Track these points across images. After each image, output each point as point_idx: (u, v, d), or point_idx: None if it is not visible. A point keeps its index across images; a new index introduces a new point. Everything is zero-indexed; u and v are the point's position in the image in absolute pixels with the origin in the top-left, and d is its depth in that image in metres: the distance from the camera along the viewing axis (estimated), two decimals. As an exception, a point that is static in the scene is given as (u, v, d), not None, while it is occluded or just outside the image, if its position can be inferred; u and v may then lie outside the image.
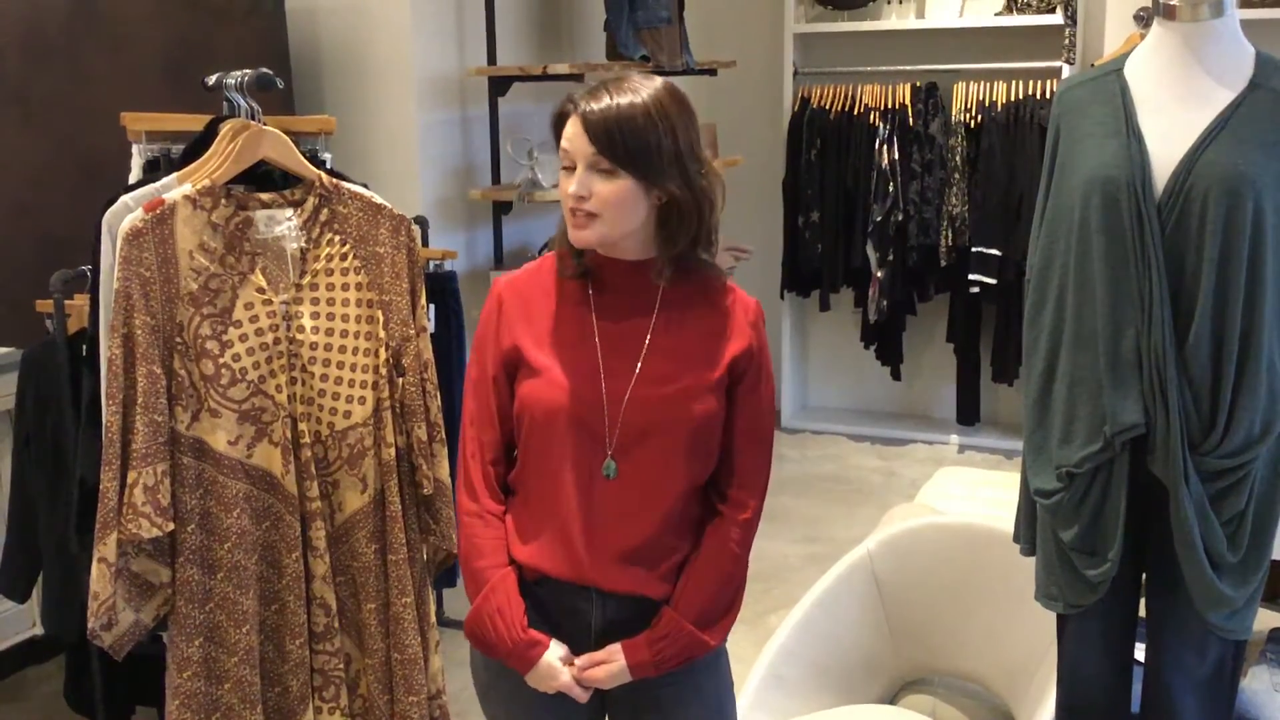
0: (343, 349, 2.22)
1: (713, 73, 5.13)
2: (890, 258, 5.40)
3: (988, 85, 5.24)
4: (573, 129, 1.72)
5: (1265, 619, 2.82)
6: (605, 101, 1.70)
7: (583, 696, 1.81)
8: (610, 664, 1.79)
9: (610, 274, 1.81)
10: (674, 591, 1.81)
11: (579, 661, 1.80)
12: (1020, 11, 5.29)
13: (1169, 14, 2.02)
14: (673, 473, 1.79)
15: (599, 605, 1.81)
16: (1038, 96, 5.11)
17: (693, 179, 1.74)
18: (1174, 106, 2.02)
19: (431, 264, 3.47)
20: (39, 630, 3.46)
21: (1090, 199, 2.03)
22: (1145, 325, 1.98)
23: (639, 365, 1.78)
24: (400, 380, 2.26)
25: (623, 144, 1.69)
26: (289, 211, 2.20)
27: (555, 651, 1.79)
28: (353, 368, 2.22)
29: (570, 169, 1.73)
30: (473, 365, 1.87)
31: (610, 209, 1.71)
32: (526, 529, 1.83)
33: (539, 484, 1.82)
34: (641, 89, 1.72)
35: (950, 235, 5.32)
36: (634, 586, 1.80)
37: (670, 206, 1.74)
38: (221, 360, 2.12)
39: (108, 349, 2.10)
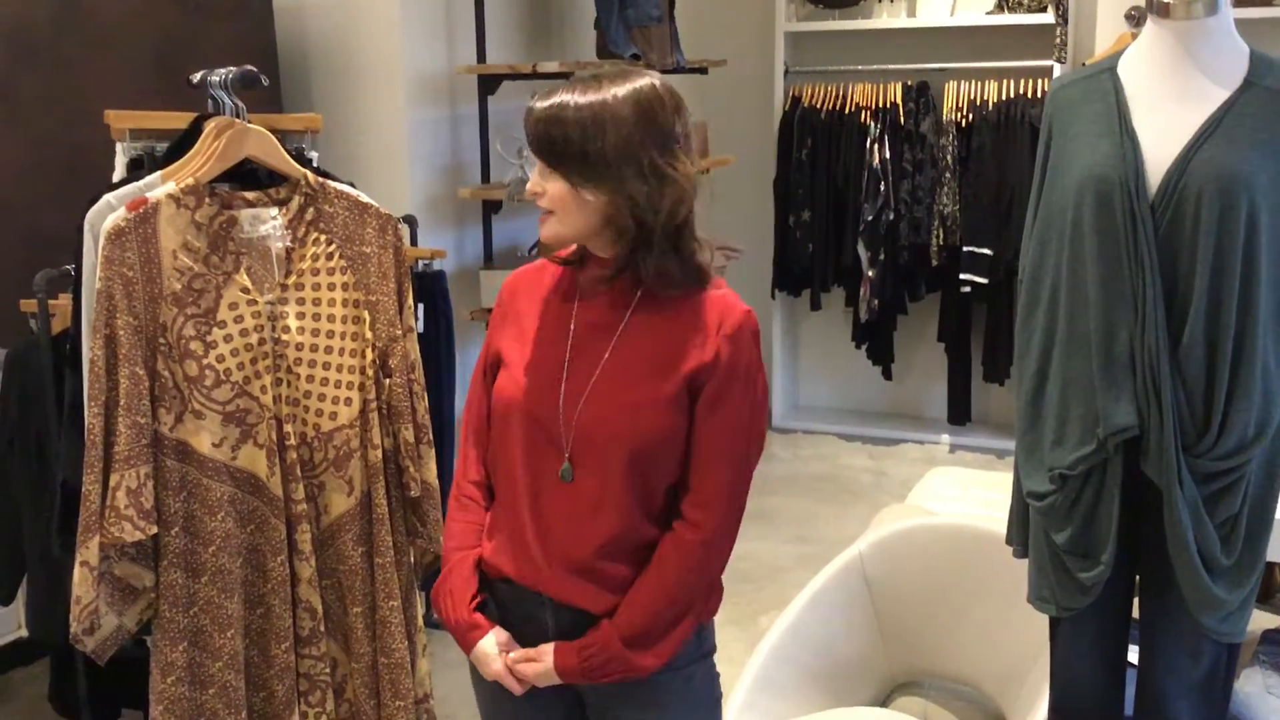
0: (329, 350, 2.20)
1: (703, 71, 5.11)
2: (881, 257, 5.38)
3: (979, 84, 5.23)
4: None
5: (1259, 620, 2.82)
6: (551, 101, 1.69)
7: (515, 688, 1.80)
8: (539, 662, 1.78)
9: (596, 269, 1.79)
10: (616, 604, 1.76)
11: (512, 655, 1.80)
12: (1011, 10, 5.28)
13: (1163, 12, 2.01)
14: (620, 485, 1.72)
15: (552, 614, 1.79)
16: (1029, 96, 5.11)
17: (634, 185, 1.67)
18: (1168, 105, 2.00)
19: (420, 263, 3.45)
20: (24, 633, 3.43)
21: (1083, 198, 2.01)
22: (1139, 326, 1.97)
23: (599, 369, 1.75)
24: (387, 381, 2.24)
25: (550, 147, 1.69)
26: (274, 210, 2.17)
27: (493, 638, 1.80)
28: (339, 369, 2.20)
29: None
30: (481, 354, 1.93)
31: (558, 207, 1.73)
32: (493, 527, 1.85)
33: (500, 481, 1.84)
34: (604, 89, 1.67)
35: (941, 234, 5.31)
36: (581, 600, 1.76)
37: (617, 208, 1.69)
38: (205, 361, 2.10)
39: (90, 350, 2.07)
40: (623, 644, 1.73)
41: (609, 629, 1.74)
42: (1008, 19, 5.27)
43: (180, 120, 2.40)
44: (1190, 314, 1.95)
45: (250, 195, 2.17)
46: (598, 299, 1.79)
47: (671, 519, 1.77)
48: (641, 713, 1.82)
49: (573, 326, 1.79)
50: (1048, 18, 5.13)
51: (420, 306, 3.25)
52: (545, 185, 1.73)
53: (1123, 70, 2.07)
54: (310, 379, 2.19)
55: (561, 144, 1.68)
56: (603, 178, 1.68)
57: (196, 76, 2.33)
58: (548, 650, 1.77)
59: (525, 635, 1.81)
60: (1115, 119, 2.02)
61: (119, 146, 2.52)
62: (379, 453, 2.22)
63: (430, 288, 3.43)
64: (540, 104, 1.70)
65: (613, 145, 1.66)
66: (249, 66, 2.32)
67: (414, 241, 3.58)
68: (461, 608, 1.82)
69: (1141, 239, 1.96)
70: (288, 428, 2.17)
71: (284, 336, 2.17)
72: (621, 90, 1.68)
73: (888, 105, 5.36)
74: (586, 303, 1.80)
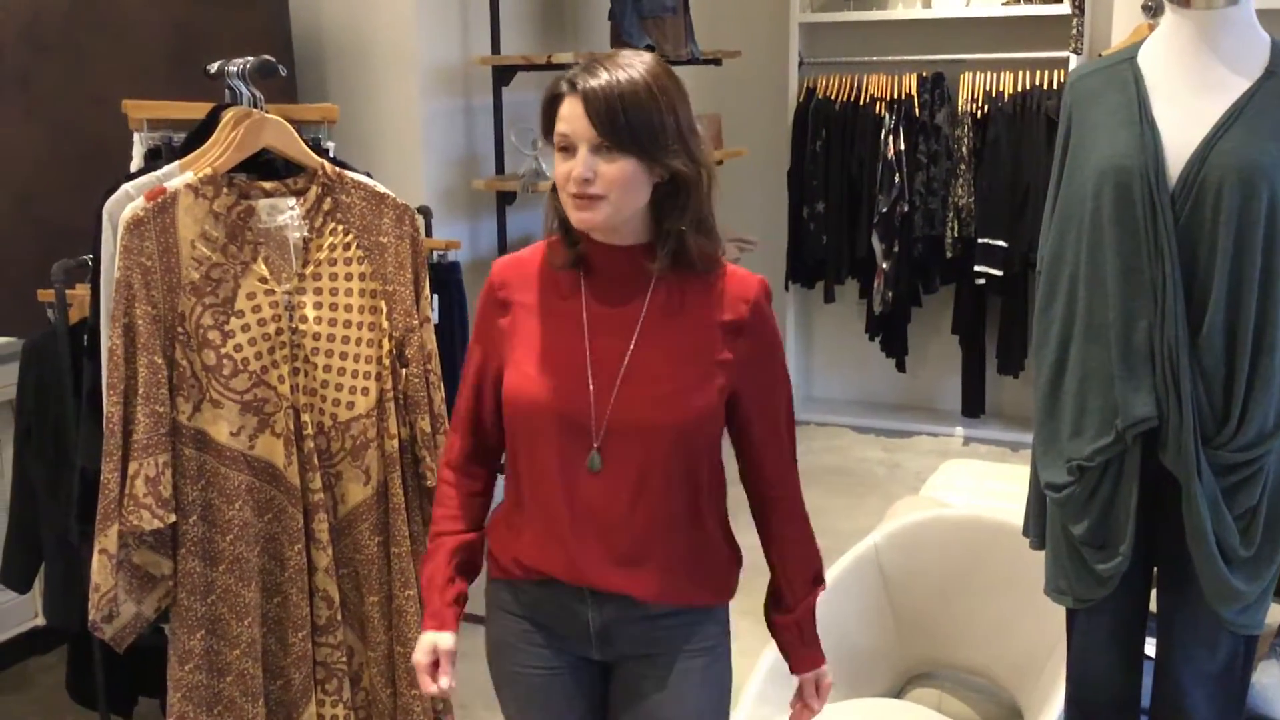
0: (345, 339, 2.20)
1: (718, 63, 5.10)
2: (895, 249, 5.37)
3: (994, 75, 5.21)
4: (571, 110, 1.67)
5: (1276, 613, 2.80)
6: (605, 79, 1.65)
7: (428, 686, 1.79)
8: (821, 689, 1.93)
9: (604, 261, 1.76)
10: (779, 583, 1.93)
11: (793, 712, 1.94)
12: (1027, 1, 5.26)
13: (1184, 1, 1.99)
14: (664, 467, 1.75)
15: (594, 606, 1.78)
16: (1044, 87, 5.08)
17: (695, 154, 1.71)
18: (1188, 95, 1.99)
19: (435, 254, 3.44)
20: (41, 621, 3.44)
21: (1103, 189, 2.00)
22: (1158, 317, 1.96)
23: (626, 358, 1.74)
24: (404, 371, 2.24)
25: (626, 125, 1.65)
26: (291, 200, 2.18)
27: (443, 639, 1.78)
28: (355, 358, 2.20)
29: (568, 150, 1.69)
30: (472, 342, 1.88)
31: (616, 190, 1.67)
32: (524, 529, 1.80)
33: (528, 481, 1.79)
34: (636, 64, 1.68)
35: (956, 226, 5.29)
36: (624, 586, 1.76)
37: (671, 184, 1.70)
38: (223, 350, 2.11)
39: (109, 339, 2.08)
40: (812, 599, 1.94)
41: (807, 590, 1.94)
42: (1023, 10, 5.25)
43: (198, 110, 2.40)
44: (1210, 305, 1.94)
45: (268, 185, 2.18)
46: (609, 290, 1.76)
47: (713, 492, 1.86)
48: (661, 689, 1.83)
49: (585, 320, 1.76)
50: (1064, 8, 5.11)
51: (435, 297, 3.25)
52: (599, 168, 1.66)
53: (1143, 60, 2.06)
54: (327, 369, 2.19)
55: (635, 121, 1.65)
56: (668, 154, 1.68)
57: (214, 66, 2.33)
58: (810, 680, 1.93)
59: (568, 633, 1.81)
60: (1135, 109, 2.01)
61: (136, 136, 2.52)
62: (395, 442, 2.23)
63: (445, 279, 3.43)
64: (593, 84, 1.65)
65: (672, 120, 1.68)
66: (267, 56, 2.32)
67: (428, 233, 3.58)
68: (435, 594, 1.80)
69: (1161, 229, 1.95)
70: (305, 417, 2.18)
71: (301, 326, 2.18)
72: (649, 64, 1.69)
73: (903, 97, 5.34)
74: (596, 294, 1.77)
